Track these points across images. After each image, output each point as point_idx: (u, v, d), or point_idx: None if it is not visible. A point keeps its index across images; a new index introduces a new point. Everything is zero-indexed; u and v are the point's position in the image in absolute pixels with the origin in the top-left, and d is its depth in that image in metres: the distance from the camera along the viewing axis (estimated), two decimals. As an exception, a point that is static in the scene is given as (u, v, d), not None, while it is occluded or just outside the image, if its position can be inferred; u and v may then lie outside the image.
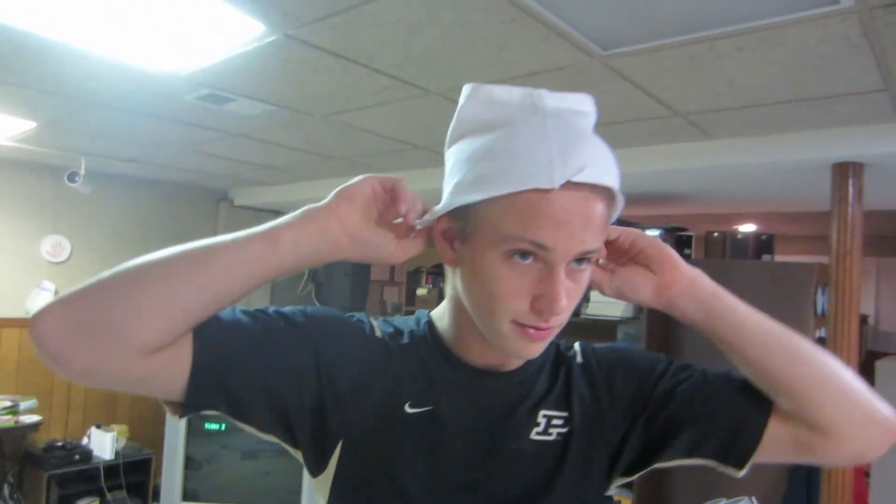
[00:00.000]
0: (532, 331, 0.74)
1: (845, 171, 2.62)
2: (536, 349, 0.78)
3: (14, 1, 1.83)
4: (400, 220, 0.80)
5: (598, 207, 0.72)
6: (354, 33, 1.89)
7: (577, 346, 0.96)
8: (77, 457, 4.22)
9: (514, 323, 0.74)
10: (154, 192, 5.12)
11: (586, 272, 0.76)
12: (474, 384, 0.85)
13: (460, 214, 0.77)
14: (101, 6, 1.84)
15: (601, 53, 1.87)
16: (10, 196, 4.47)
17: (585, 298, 3.51)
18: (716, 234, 3.86)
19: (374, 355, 0.84)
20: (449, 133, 0.83)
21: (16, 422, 3.91)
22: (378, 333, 0.87)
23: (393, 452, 0.81)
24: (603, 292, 0.86)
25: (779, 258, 4.01)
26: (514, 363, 0.86)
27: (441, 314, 0.90)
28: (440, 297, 3.98)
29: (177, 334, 0.69)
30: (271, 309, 0.82)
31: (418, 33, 1.86)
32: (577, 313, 3.56)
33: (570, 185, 0.69)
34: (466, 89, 0.80)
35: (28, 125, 3.35)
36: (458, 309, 0.84)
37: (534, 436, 0.85)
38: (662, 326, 3.30)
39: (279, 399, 0.77)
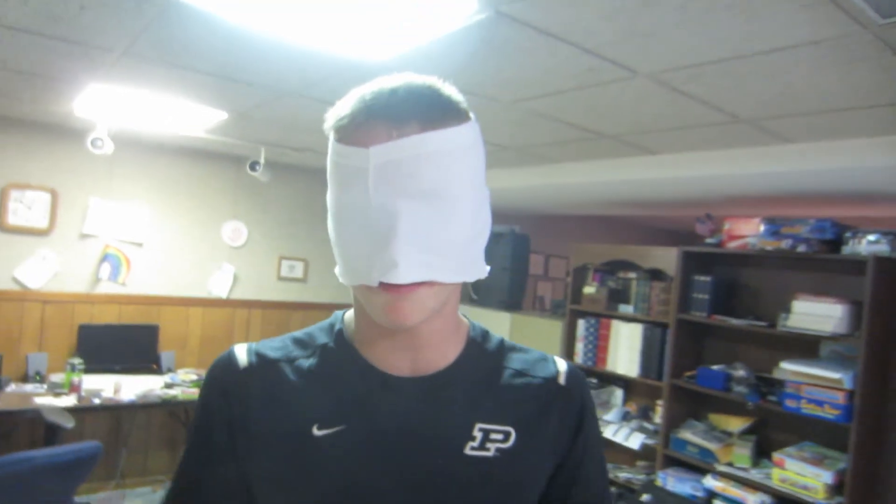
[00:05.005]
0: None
1: None
2: (403, 311, 0.69)
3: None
4: None
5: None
6: (577, 7, 1.72)
7: (562, 365, 0.85)
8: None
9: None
10: (322, 182, 5.26)
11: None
12: (390, 394, 0.75)
13: None
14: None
15: (878, 22, 1.57)
16: (199, 184, 4.77)
17: (785, 309, 3.13)
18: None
19: (236, 390, 0.78)
20: None
21: (200, 396, 4.14)
22: (242, 364, 0.80)
23: (305, 484, 0.73)
24: None
25: None
26: (432, 366, 0.77)
27: (352, 314, 0.83)
28: (610, 297, 3.72)
29: None
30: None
31: (651, 4, 1.66)
32: (773, 324, 3.20)
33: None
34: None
35: (220, 116, 3.50)
36: (357, 301, 0.78)
37: (468, 450, 0.75)
38: (886, 346, 2.87)
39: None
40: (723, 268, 3.55)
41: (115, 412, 4.27)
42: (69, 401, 3.64)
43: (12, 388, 3.81)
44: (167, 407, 4.18)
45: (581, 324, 4.12)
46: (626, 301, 3.91)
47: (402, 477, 0.73)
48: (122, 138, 4.15)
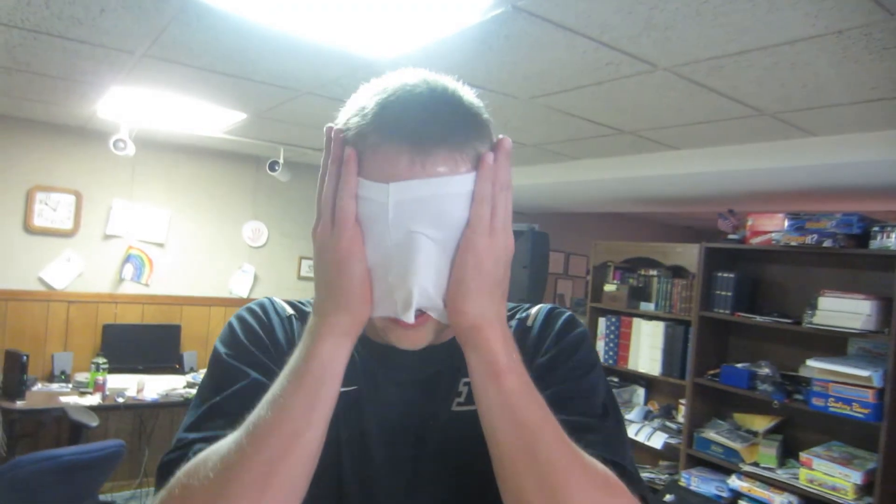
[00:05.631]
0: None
1: None
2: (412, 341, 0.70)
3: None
4: None
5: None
6: (595, 0, 1.70)
7: (539, 310, 0.86)
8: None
9: None
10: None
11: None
12: (391, 361, 0.80)
13: None
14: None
15: (904, 10, 1.53)
16: (219, 185, 4.81)
17: (811, 306, 3.07)
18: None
19: (290, 335, 0.82)
20: None
21: (222, 395, 4.18)
22: (287, 312, 0.85)
23: (333, 430, 0.73)
24: None
25: None
26: (437, 341, 0.77)
27: None
28: (631, 295, 3.67)
29: None
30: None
31: (671, -3, 1.63)
32: (798, 321, 3.14)
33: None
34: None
35: (239, 116, 3.53)
36: None
37: (455, 407, 0.79)
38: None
39: None
40: (746, 264, 3.49)
41: (139, 411, 4.32)
42: (94, 400, 3.69)
43: (38, 387, 3.87)
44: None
45: (602, 322, 4.09)
46: (648, 299, 3.87)
47: (404, 434, 0.78)
48: (143, 140, 4.19)
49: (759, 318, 3.23)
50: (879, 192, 3.46)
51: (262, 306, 0.85)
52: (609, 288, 4.11)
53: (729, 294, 3.36)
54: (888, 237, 2.81)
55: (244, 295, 4.88)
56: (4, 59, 2.67)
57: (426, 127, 0.63)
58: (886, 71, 2.01)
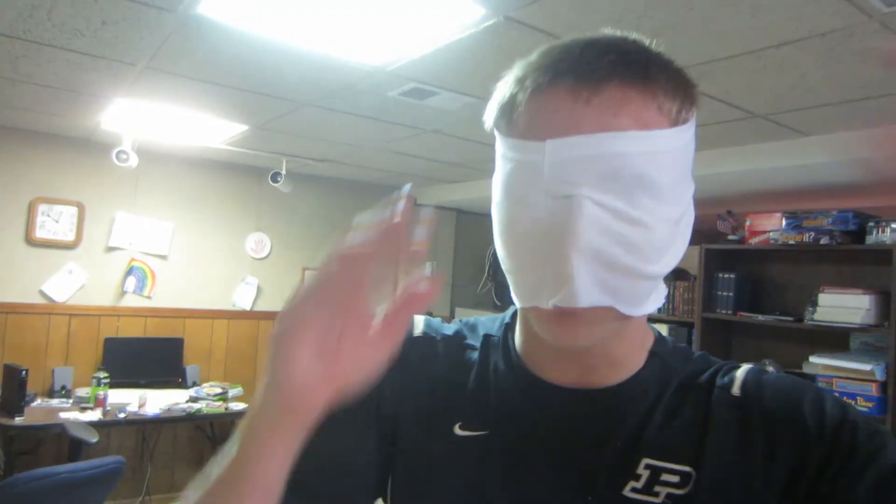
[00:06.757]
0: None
1: None
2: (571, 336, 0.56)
3: (239, 4, 1.88)
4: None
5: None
6: (585, 10, 1.74)
7: (739, 372, 0.62)
8: (276, 442, 4.45)
9: None
10: (343, 192, 5.31)
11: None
12: (544, 407, 0.63)
13: None
14: (322, 4, 1.84)
15: (883, 11, 1.56)
16: (222, 197, 4.84)
17: (812, 303, 3.09)
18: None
19: (411, 358, 0.67)
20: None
21: (226, 408, 4.18)
22: (415, 332, 0.70)
23: (437, 483, 0.64)
24: None
25: None
26: (602, 380, 0.62)
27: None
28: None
29: None
30: None
31: (658, 5, 1.67)
32: (800, 318, 3.16)
33: None
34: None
35: (241, 128, 3.56)
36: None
37: (628, 491, 0.59)
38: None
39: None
40: (746, 264, 3.52)
41: (141, 427, 4.31)
42: (94, 415, 3.65)
43: (38, 402, 3.83)
44: (193, 421, 4.21)
45: (603, 326, 4.10)
46: (648, 302, 3.88)
47: None
48: (146, 152, 4.22)
49: (761, 318, 3.24)
50: (874, 187, 3.48)
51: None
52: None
53: (730, 294, 3.38)
54: (883, 232, 2.83)
55: (247, 307, 4.90)
56: (8, 70, 2.71)
57: (597, 59, 0.53)
58: (869, 70, 2.04)
